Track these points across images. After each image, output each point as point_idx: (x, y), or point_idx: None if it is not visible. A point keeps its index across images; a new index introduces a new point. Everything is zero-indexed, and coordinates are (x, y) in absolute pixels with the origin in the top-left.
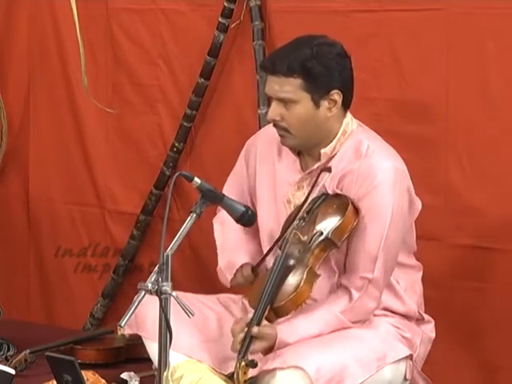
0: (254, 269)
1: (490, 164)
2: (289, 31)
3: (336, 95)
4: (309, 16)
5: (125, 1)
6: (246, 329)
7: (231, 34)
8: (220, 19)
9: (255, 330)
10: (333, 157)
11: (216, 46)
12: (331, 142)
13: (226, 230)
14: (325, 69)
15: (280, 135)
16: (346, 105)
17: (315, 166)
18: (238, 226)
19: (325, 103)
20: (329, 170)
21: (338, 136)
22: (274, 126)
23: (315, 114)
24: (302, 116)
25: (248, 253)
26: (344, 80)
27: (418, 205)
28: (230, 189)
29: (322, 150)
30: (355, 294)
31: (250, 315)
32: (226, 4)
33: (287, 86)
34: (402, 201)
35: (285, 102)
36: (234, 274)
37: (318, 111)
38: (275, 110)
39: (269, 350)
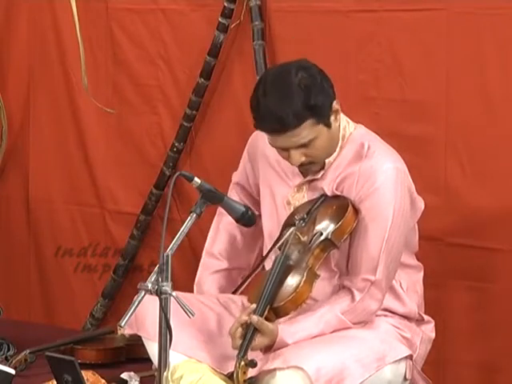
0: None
1: (489, 164)
2: (289, 31)
3: (336, 105)
4: (309, 16)
5: (125, 1)
6: (246, 326)
7: (231, 34)
8: (220, 19)
9: (255, 318)
10: (333, 161)
11: (216, 46)
12: (335, 150)
13: (215, 247)
14: (322, 93)
15: (304, 169)
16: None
17: (319, 176)
18: (226, 251)
19: (332, 118)
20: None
21: (339, 143)
22: (300, 164)
23: (330, 133)
24: (324, 143)
25: (219, 286)
26: (332, 88)
27: (421, 205)
28: (237, 175)
29: (327, 160)
30: (357, 295)
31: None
32: (226, 4)
33: (303, 132)
34: (404, 202)
35: (304, 144)
36: None
37: (331, 129)
38: (298, 157)
39: (269, 348)
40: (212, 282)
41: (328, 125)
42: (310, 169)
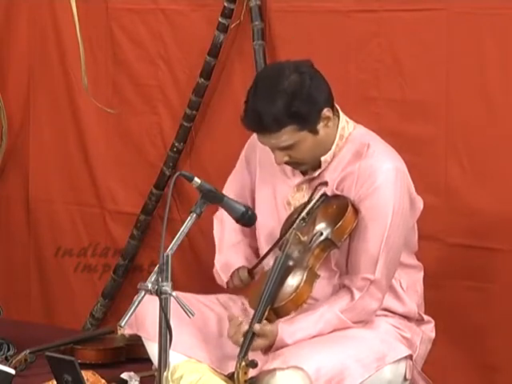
0: (251, 271)
1: (489, 164)
2: (289, 31)
3: (327, 112)
4: (309, 16)
5: (125, 1)
6: (247, 328)
7: (231, 34)
8: (220, 19)
9: (257, 327)
10: (332, 161)
11: (216, 46)
12: (330, 149)
13: (224, 229)
14: (308, 101)
15: (292, 167)
16: (334, 110)
17: (316, 174)
18: (237, 227)
19: (320, 125)
20: (325, 184)
21: (335, 142)
22: (285, 163)
23: (317, 139)
24: (308, 148)
25: (245, 255)
26: (326, 94)
27: (420, 204)
28: (231, 186)
29: (322, 158)
30: (357, 294)
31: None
32: (226, 4)
33: (283, 137)
34: (403, 201)
35: (286, 147)
36: (231, 276)
37: (318, 135)
38: (281, 157)
39: (268, 348)
40: (236, 253)
41: (314, 131)
42: (300, 168)
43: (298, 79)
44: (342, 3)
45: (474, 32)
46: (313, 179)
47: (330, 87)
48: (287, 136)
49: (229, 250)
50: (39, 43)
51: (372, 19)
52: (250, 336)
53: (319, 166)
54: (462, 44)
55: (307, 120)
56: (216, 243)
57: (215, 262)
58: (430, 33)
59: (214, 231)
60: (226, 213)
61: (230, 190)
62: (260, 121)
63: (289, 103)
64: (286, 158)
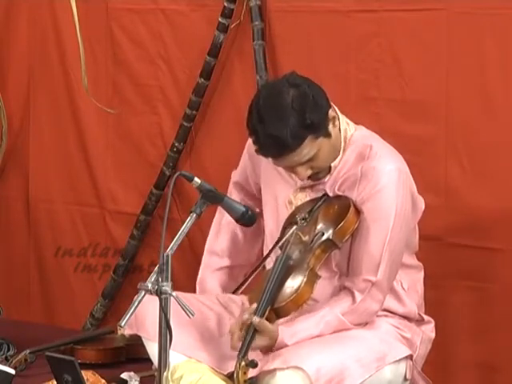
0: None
1: (490, 164)
2: (289, 31)
3: (332, 112)
4: (309, 16)
5: (125, 1)
6: (247, 326)
7: (231, 34)
8: (220, 19)
9: (256, 320)
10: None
11: (216, 46)
12: (339, 153)
13: (220, 235)
14: (316, 108)
15: (311, 179)
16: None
17: (326, 179)
18: (227, 244)
19: (330, 127)
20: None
21: (342, 146)
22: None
23: (331, 142)
24: (326, 154)
25: (222, 285)
26: (325, 96)
27: (422, 205)
28: (238, 172)
29: (332, 164)
30: (358, 296)
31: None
32: (226, 4)
33: (304, 150)
34: (406, 202)
35: (308, 160)
36: None
37: (331, 137)
38: (304, 171)
39: (269, 349)
40: (214, 280)
41: (327, 135)
42: (317, 176)
43: (300, 92)
44: (342, 3)
45: (474, 32)
46: (319, 187)
47: (322, 88)
48: (307, 148)
49: (211, 274)
50: (39, 43)
51: (372, 19)
52: (250, 335)
53: (328, 172)
54: (462, 44)
55: (320, 126)
56: (207, 246)
57: (198, 275)
58: (430, 33)
59: (211, 231)
60: (223, 222)
61: (238, 175)
62: (279, 143)
63: (301, 117)
64: (309, 172)
